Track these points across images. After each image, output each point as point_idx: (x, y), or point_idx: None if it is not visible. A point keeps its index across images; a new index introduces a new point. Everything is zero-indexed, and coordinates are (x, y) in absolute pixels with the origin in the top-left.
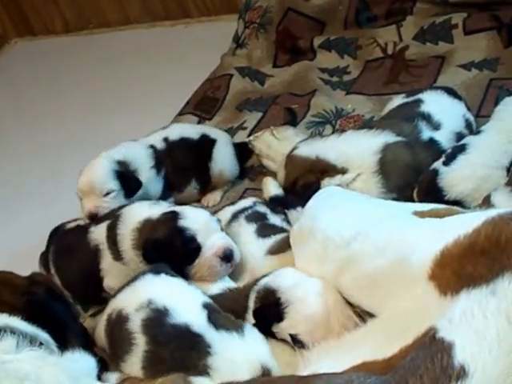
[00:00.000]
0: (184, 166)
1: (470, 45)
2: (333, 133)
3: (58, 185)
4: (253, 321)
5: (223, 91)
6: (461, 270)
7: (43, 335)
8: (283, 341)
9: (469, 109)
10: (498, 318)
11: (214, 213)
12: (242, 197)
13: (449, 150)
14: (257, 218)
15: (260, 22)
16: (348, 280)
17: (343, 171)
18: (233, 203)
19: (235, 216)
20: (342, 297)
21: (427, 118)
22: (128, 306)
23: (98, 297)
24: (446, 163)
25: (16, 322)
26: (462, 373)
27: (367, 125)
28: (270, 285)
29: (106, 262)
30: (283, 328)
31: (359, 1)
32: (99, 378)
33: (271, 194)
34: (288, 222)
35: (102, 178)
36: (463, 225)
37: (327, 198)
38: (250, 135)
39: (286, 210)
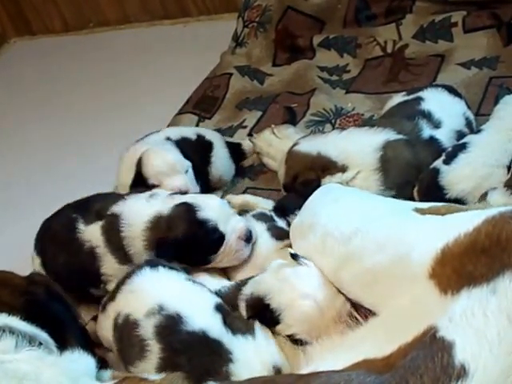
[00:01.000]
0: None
1: (470, 43)
2: (334, 130)
3: (57, 185)
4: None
5: (223, 90)
6: (461, 268)
7: (42, 335)
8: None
9: (469, 107)
10: (498, 317)
11: None
12: None
13: (449, 149)
14: (265, 218)
15: (259, 21)
16: (348, 276)
17: (343, 168)
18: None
19: (240, 215)
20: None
21: (428, 116)
22: (136, 312)
23: (84, 292)
24: (446, 162)
25: (15, 321)
26: (463, 372)
27: (367, 123)
28: (257, 293)
29: (110, 267)
30: (280, 330)
31: None
32: (98, 377)
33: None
34: None
35: (177, 155)
36: (464, 223)
37: (328, 193)
38: (250, 134)
39: (287, 217)
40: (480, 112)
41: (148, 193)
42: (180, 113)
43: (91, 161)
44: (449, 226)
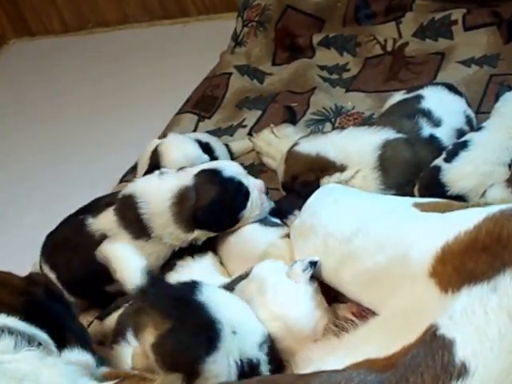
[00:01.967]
0: None
1: (470, 41)
2: (333, 130)
3: (57, 185)
4: None
5: (222, 90)
6: (462, 266)
7: (42, 335)
8: None
9: (469, 105)
10: (499, 314)
11: None
12: None
13: (450, 147)
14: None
15: (259, 20)
16: (348, 276)
17: (342, 168)
18: None
19: None
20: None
21: (427, 114)
22: None
23: (100, 293)
24: (447, 160)
25: (14, 322)
26: (463, 370)
27: (367, 122)
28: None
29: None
30: None
31: None
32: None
33: None
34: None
35: (197, 148)
36: (464, 221)
37: (328, 194)
38: (249, 133)
39: (285, 219)
40: (480, 110)
41: (155, 172)
42: (179, 112)
43: (91, 161)
44: (449, 224)
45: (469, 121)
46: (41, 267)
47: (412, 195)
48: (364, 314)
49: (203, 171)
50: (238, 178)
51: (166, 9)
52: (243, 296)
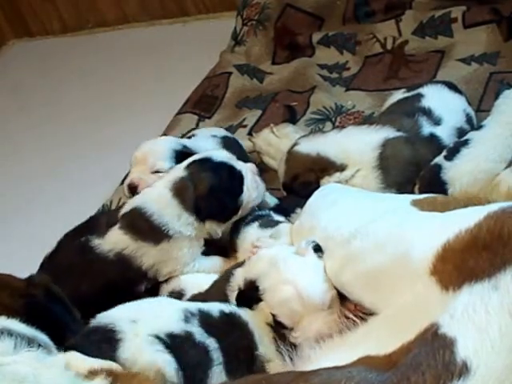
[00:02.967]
0: None
1: (470, 38)
2: (333, 129)
3: (56, 187)
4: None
5: (222, 89)
6: (463, 264)
7: (41, 336)
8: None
9: (469, 103)
10: (500, 313)
11: None
12: None
13: (451, 145)
14: (259, 217)
15: (258, 19)
16: (349, 277)
17: (342, 168)
18: None
19: None
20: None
21: (428, 113)
22: None
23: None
24: (448, 158)
25: (14, 323)
26: (465, 369)
27: (367, 121)
28: (249, 278)
29: (150, 255)
30: (264, 307)
31: None
32: None
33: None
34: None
35: (160, 153)
36: (465, 219)
37: (327, 195)
38: (249, 133)
39: (288, 217)
40: (481, 108)
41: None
42: (180, 113)
43: (91, 161)
44: (449, 223)
45: (469, 119)
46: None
47: (412, 194)
48: (363, 315)
49: (193, 161)
50: (229, 162)
51: (166, 8)
52: (252, 273)
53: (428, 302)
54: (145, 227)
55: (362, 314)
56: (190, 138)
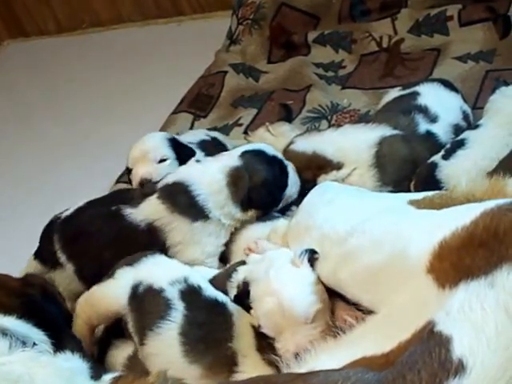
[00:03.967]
0: None
1: (466, 37)
2: (329, 127)
3: (53, 186)
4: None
5: (218, 88)
6: (459, 262)
7: (37, 336)
8: None
9: (465, 101)
10: (496, 310)
11: None
12: None
13: (448, 145)
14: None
15: (253, 18)
16: (346, 276)
17: (339, 166)
18: None
19: None
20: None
21: (424, 110)
22: (159, 281)
23: None
24: (445, 157)
25: (9, 323)
26: (461, 367)
27: (363, 119)
28: (247, 279)
29: (179, 231)
30: (253, 316)
31: None
32: (92, 377)
33: None
34: None
35: (156, 144)
36: (461, 216)
37: (322, 194)
38: (245, 132)
39: (284, 215)
40: (477, 105)
41: (190, 161)
42: (175, 112)
43: (86, 161)
44: (446, 220)
45: (465, 116)
46: (44, 252)
47: (409, 191)
48: (360, 314)
49: (247, 152)
50: (280, 157)
51: (161, 8)
52: (251, 276)
53: (425, 300)
54: (186, 202)
55: (360, 314)
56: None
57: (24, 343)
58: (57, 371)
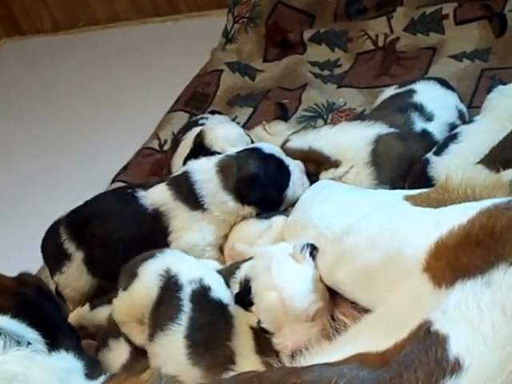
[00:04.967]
0: None
1: (462, 35)
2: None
3: (49, 187)
4: None
5: (213, 87)
6: (455, 261)
7: (31, 335)
8: None
9: (461, 100)
10: (492, 309)
11: None
12: None
13: (441, 141)
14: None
15: (249, 17)
16: (342, 275)
17: (336, 164)
18: None
19: None
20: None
21: (420, 108)
22: (183, 276)
23: None
24: (436, 153)
25: (3, 322)
26: (457, 366)
27: (359, 117)
28: (248, 276)
29: (180, 218)
30: (254, 312)
31: None
32: (88, 375)
33: None
34: None
35: (238, 128)
36: (458, 215)
37: (319, 192)
38: None
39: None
40: (472, 104)
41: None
42: (171, 110)
43: (83, 160)
44: (442, 219)
45: (461, 115)
46: (53, 246)
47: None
48: (357, 313)
49: (245, 149)
50: (278, 156)
51: (157, 6)
52: (252, 272)
53: (421, 299)
54: (187, 191)
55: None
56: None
57: (18, 342)
58: (51, 370)
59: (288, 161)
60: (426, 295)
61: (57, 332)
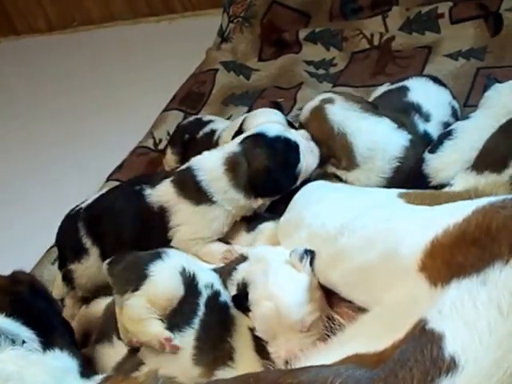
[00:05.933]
0: None
1: (457, 34)
2: None
3: (46, 186)
4: None
5: (209, 86)
6: (451, 259)
7: (26, 334)
8: None
9: (454, 97)
10: (488, 307)
11: None
12: None
13: (435, 140)
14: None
15: (244, 16)
16: (338, 276)
17: (353, 166)
18: None
19: None
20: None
21: (417, 109)
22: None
23: None
24: (431, 150)
25: None
26: (453, 364)
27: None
28: (246, 280)
29: (182, 213)
30: (251, 318)
31: None
32: (83, 374)
33: None
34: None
35: (281, 118)
36: (453, 214)
37: (312, 192)
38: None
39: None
40: (468, 103)
41: None
42: (166, 109)
43: (78, 159)
44: (438, 217)
45: (454, 112)
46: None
47: None
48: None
49: (247, 137)
50: (283, 135)
51: (152, 6)
52: (249, 276)
53: (417, 298)
54: (191, 187)
55: (353, 312)
56: None
57: (13, 341)
58: (46, 369)
59: (291, 135)
60: (421, 294)
61: (51, 330)
